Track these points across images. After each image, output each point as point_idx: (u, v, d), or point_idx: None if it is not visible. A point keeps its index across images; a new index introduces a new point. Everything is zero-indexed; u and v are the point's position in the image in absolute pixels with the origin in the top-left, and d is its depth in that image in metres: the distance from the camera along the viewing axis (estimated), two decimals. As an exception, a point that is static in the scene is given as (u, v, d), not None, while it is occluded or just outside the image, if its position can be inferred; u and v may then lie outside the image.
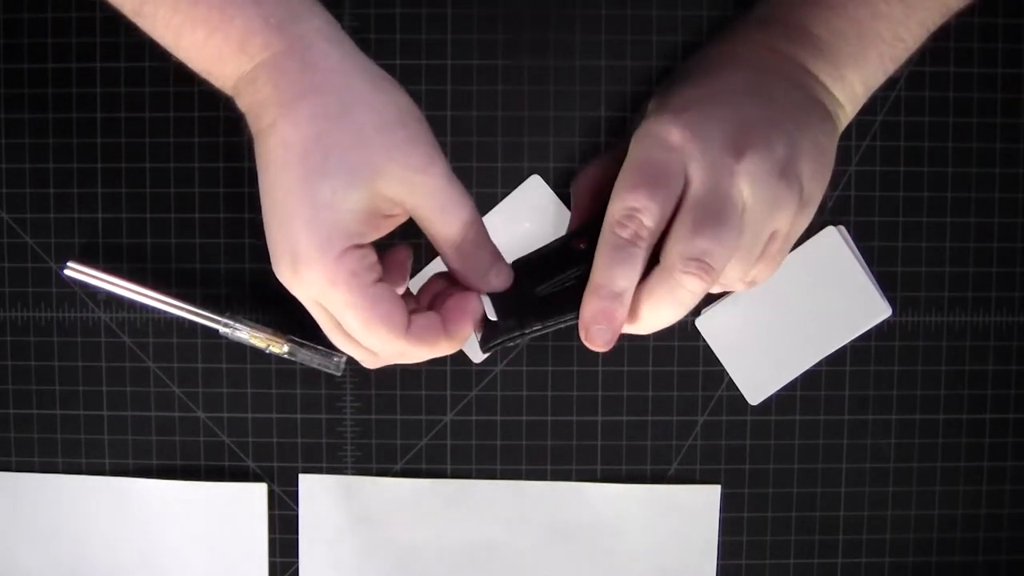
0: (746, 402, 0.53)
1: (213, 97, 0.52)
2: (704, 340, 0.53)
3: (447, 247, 0.40)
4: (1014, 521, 0.54)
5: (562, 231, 0.50)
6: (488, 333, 0.42)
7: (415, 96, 0.51)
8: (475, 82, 0.52)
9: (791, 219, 0.40)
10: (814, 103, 0.42)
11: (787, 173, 0.39)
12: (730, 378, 0.53)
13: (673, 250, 0.39)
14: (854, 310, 0.52)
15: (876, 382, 0.53)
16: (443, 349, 0.41)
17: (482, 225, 0.41)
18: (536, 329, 0.42)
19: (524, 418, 0.53)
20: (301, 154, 0.37)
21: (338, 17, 0.51)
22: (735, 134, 0.39)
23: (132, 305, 0.52)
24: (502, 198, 0.52)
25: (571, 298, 0.41)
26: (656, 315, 0.40)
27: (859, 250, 0.52)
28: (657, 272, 0.40)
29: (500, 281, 0.41)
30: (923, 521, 0.54)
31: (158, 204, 0.52)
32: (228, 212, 0.52)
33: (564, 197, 0.52)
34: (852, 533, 0.54)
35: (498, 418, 0.53)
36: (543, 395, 0.53)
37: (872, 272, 0.52)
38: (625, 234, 0.39)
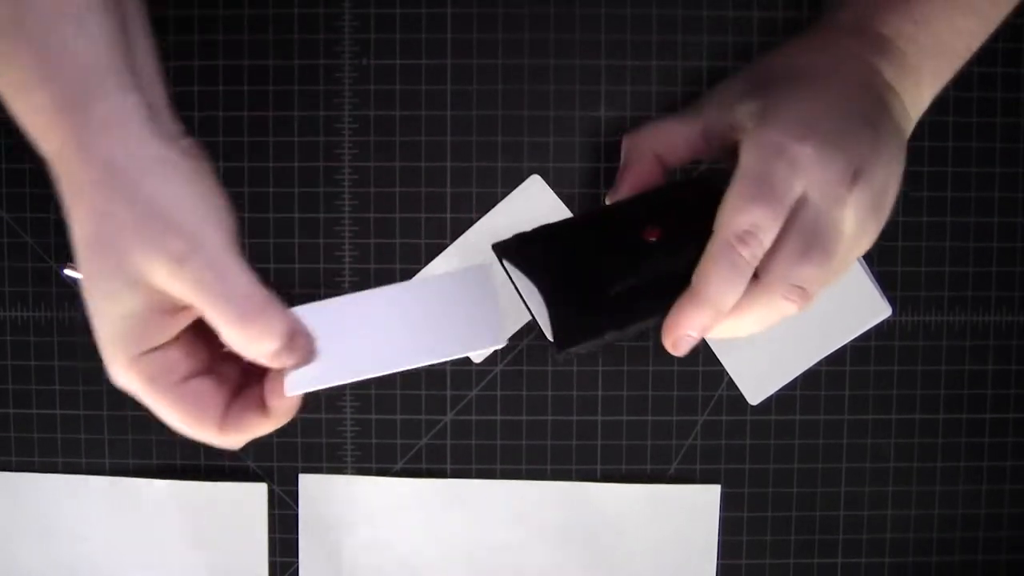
0: (746, 402, 0.53)
1: (212, 97, 0.52)
2: (704, 340, 0.53)
3: (225, 335, 0.36)
4: (1014, 521, 0.54)
5: (497, 311, 0.48)
6: (562, 336, 0.39)
7: (415, 95, 0.52)
8: (475, 81, 0.52)
9: (866, 249, 0.41)
10: (901, 133, 0.42)
11: (879, 205, 0.40)
12: (730, 378, 0.53)
13: (777, 272, 0.38)
14: (854, 310, 0.52)
15: (876, 382, 0.53)
16: (268, 429, 0.39)
17: (265, 310, 0.36)
18: (614, 335, 0.40)
19: (524, 418, 0.53)
20: (86, 256, 0.36)
21: (338, 16, 0.51)
22: (852, 165, 0.38)
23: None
24: (502, 198, 0.52)
25: (651, 300, 0.40)
26: (738, 327, 0.40)
27: (859, 250, 0.52)
28: (756, 290, 0.39)
29: (294, 359, 0.37)
30: (923, 521, 0.54)
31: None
32: (228, 212, 0.52)
33: (564, 197, 0.52)
34: (852, 533, 0.54)
35: (498, 418, 0.53)
36: (543, 395, 0.53)
37: (872, 271, 0.52)
38: (745, 253, 0.38)
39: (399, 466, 0.54)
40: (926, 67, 0.42)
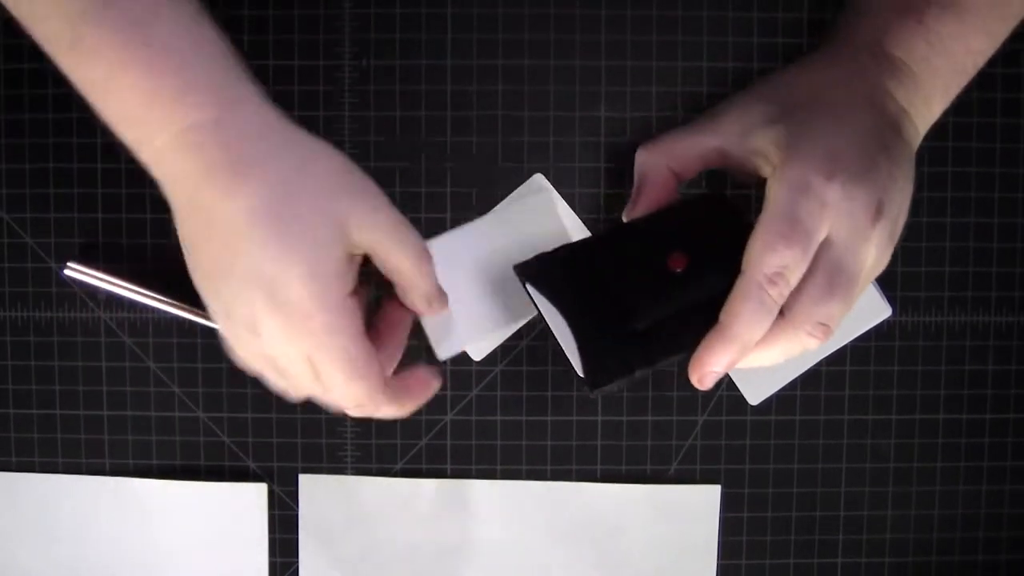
0: (746, 402, 0.53)
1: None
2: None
3: (404, 277, 0.41)
4: (1013, 521, 0.54)
5: (564, 230, 0.51)
6: (594, 376, 0.40)
7: (415, 96, 0.52)
8: (475, 82, 0.52)
9: (879, 272, 0.42)
10: (912, 154, 0.43)
11: (895, 231, 0.41)
12: (730, 378, 0.53)
13: (803, 310, 0.39)
14: (854, 310, 0.52)
15: (876, 382, 0.53)
16: (409, 409, 0.43)
17: (428, 255, 0.42)
18: (644, 371, 0.40)
19: (524, 418, 0.53)
20: (273, 213, 0.37)
21: (338, 17, 0.51)
22: (875, 199, 0.39)
23: (132, 305, 0.52)
24: (502, 198, 0.52)
25: (679, 335, 0.40)
26: (762, 359, 0.41)
27: (859, 250, 0.52)
28: (782, 326, 0.40)
29: (440, 306, 0.44)
30: (923, 521, 0.54)
31: (158, 204, 0.52)
32: (228, 212, 0.52)
33: (565, 197, 0.52)
34: (852, 533, 0.54)
35: (498, 418, 0.53)
36: (543, 395, 0.53)
37: (872, 272, 0.52)
38: (774, 293, 0.39)
39: (399, 466, 0.54)
40: (938, 87, 0.43)
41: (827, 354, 0.53)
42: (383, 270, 0.42)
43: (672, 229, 0.43)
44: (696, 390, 0.53)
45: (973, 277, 0.53)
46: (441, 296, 0.44)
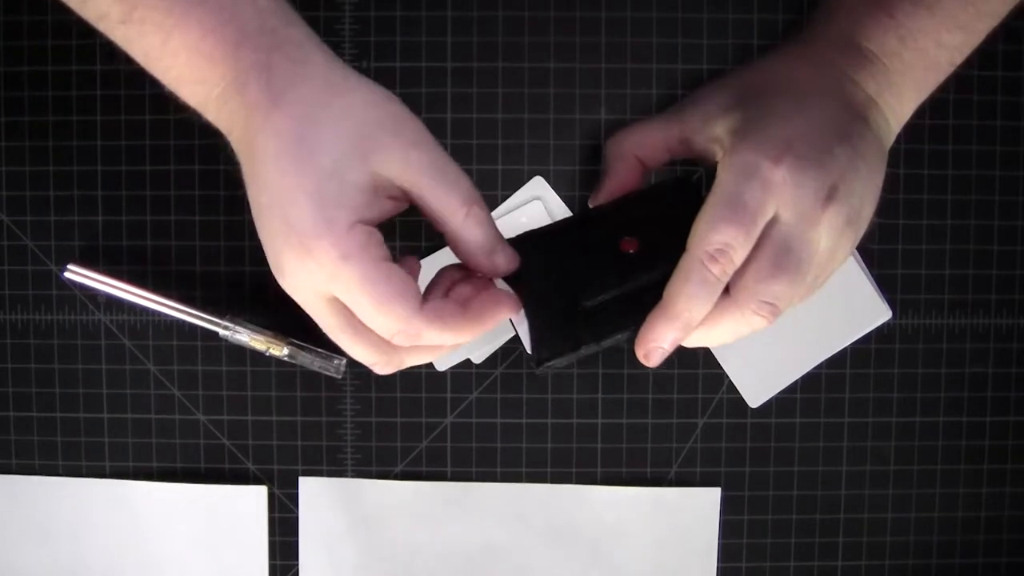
0: (746, 405, 0.53)
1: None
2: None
3: (448, 224, 0.39)
4: (1014, 524, 0.54)
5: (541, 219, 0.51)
6: (540, 351, 0.41)
7: (415, 98, 0.52)
8: (475, 84, 0.52)
9: (843, 261, 0.42)
10: (882, 145, 0.43)
11: (854, 222, 0.41)
12: (730, 381, 0.53)
13: (748, 289, 0.39)
14: (854, 313, 0.52)
15: (876, 385, 0.53)
16: (462, 332, 0.40)
17: (483, 203, 0.40)
18: (591, 348, 0.41)
19: (524, 421, 0.53)
20: (296, 137, 0.37)
21: (338, 20, 0.51)
22: (827, 185, 0.39)
23: (132, 308, 0.52)
24: (502, 200, 0.52)
25: (626, 314, 0.41)
26: (709, 338, 0.41)
27: (859, 253, 0.52)
28: (727, 305, 0.40)
29: (506, 261, 0.41)
30: (923, 523, 0.54)
31: (158, 207, 0.52)
32: (228, 215, 0.52)
33: (565, 199, 0.52)
34: (852, 536, 0.54)
35: (498, 421, 0.53)
36: (543, 398, 0.53)
37: (872, 275, 0.52)
38: (715, 270, 0.39)
39: (399, 469, 0.54)
40: (909, 82, 0.43)
41: (827, 357, 0.53)
42: (427, 216, 0.40)
43: (632, 214, 0.44)
44: (696, 393, 0.53)
45: (973, 280, 0.53)
46: (505, 248, 0.41)
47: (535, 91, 0.52)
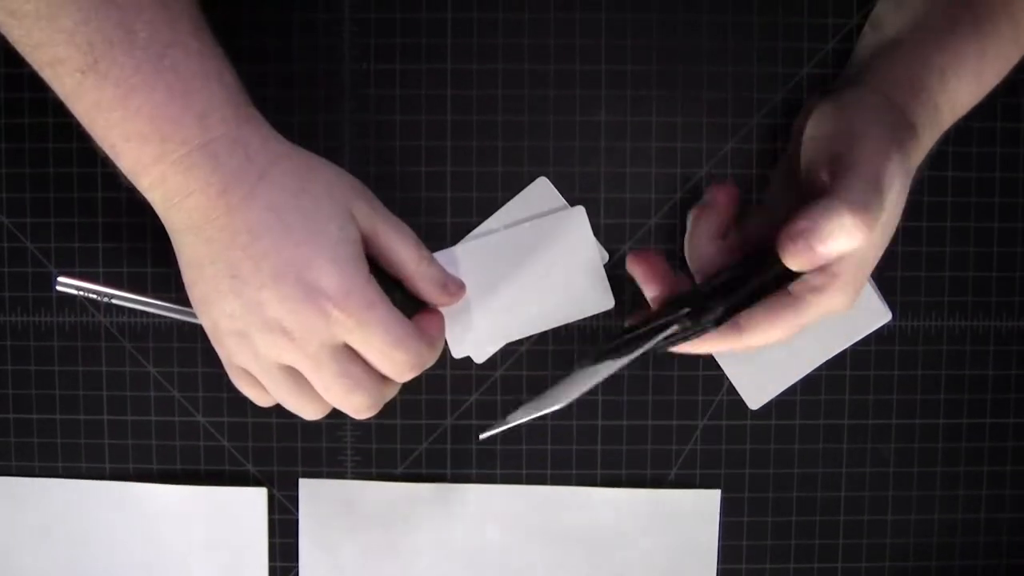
0: (746, 406, 0.53)
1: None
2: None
3: (407, 267, 0.46)
4: (1014, 526, 0.54)
5: (596, 251, 0.52)
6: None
7: (415, 100, 0.52)
8: (475, 87, 0.52)
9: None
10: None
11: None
12: (730, 383, 0.53)
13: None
14: (854, 315, 0.52)
15: (876, 386, 0.53)
16: (439, 343, 0.48)
17: (426, 248, 0.47)
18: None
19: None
20: (295, 208, 0.41)
21: (338, 22, 0.51)
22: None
23: (133, 310, 0.52)
24: (502, 203, 0.52)
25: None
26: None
27: (859, 255, 0.52)
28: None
29: (457, 288, 0.49)
30: (923, 525, 0.54)
31: (158, 208, 0.52)
32: (228, 216, 0.52)
33: (566, 199, 0.52)
34: (852, 537, 0.54)
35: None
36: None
37: (872, 277, 0.52)
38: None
39: (399, 471, 0.54)
40: (933, 136, 0.46)
41: (827, 359, 0.53)
42: (387, 263, 0.45)
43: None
44: (696, 395, 0.53)
45: (973, 281, 0.53)
46: (454, 280, 0.48)
47: (535, 93, 0.52)
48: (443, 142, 0.52)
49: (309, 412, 0.46)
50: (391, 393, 0.47)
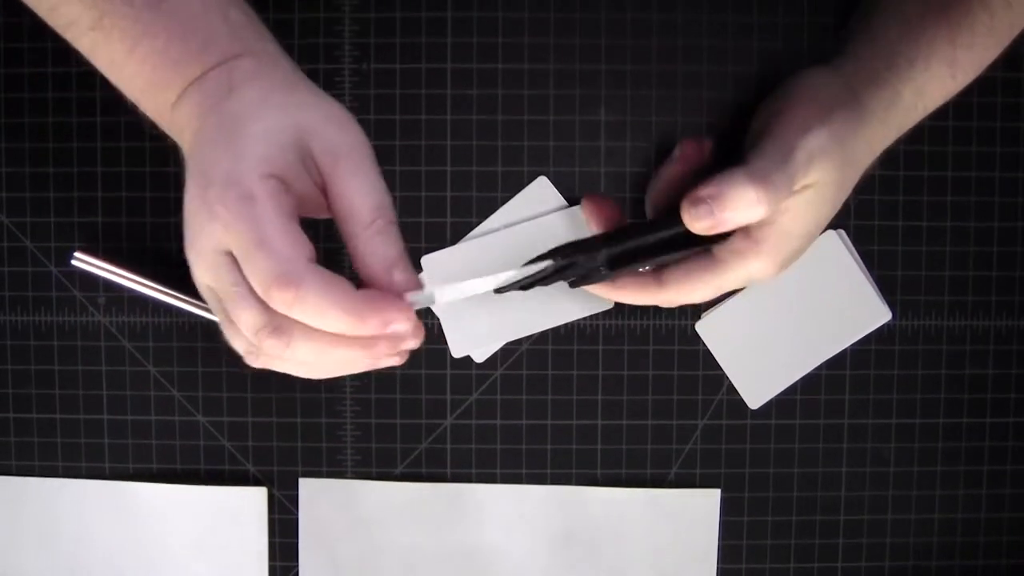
0: (746, 406, 0.53)
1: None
2: (704, 344, 0.53)
3: (358, 220, 0.38)
4: (1014, 525, 0.54)
5: (565, 231, 0.51)
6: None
7: (415, 100, 0.52)
8: (475, 86, 0.52)
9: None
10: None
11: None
12: (730, 382, 0.53)
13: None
14: (854, 314, 0.52)
15: (876, 386, 0.53)
16: (342, 310, 0.36)
17: (396, 225, 0.38)
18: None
19: (524, 422, 0.53)
20: (237, 116, 0.37)
21: (338, 21, 0.51)
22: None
23: (132, 309, 0.52)
24: (502, 202, 0.52)
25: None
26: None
27: (859, 254, 0.52)
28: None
29: (404, 281, 0.38)
30: (923, 525, 0.54)
31: (158, 208, 0.52)
32: (228, 216, 0.52)
33: (566, 199, 0.52)
34: (852, 537, 0.54)
35: (498, 422, 0.53)
36: (543, 399, 0.53)
37: (872, 276, 0.52)
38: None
39: (399, 470, 0.54)
40: (893, 120, 0.46)
41: (827, 358, 0.53)
42: (338, 216, 0.38)
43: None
44: (696, 394, 0.53)
45: (973, 281, 0.53)
46: (406, 270, 0.38)
47: (535, 92, 0.52)
48: (442, 141, 0.52)
49: (237, 343, 0.40)
50: (286, 351, 0.37)
